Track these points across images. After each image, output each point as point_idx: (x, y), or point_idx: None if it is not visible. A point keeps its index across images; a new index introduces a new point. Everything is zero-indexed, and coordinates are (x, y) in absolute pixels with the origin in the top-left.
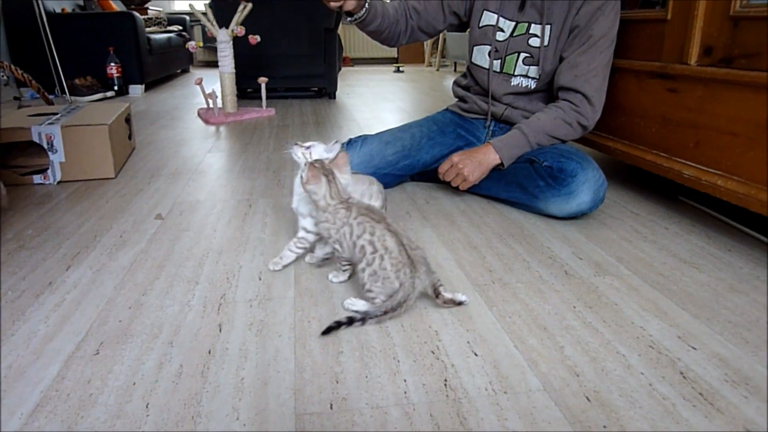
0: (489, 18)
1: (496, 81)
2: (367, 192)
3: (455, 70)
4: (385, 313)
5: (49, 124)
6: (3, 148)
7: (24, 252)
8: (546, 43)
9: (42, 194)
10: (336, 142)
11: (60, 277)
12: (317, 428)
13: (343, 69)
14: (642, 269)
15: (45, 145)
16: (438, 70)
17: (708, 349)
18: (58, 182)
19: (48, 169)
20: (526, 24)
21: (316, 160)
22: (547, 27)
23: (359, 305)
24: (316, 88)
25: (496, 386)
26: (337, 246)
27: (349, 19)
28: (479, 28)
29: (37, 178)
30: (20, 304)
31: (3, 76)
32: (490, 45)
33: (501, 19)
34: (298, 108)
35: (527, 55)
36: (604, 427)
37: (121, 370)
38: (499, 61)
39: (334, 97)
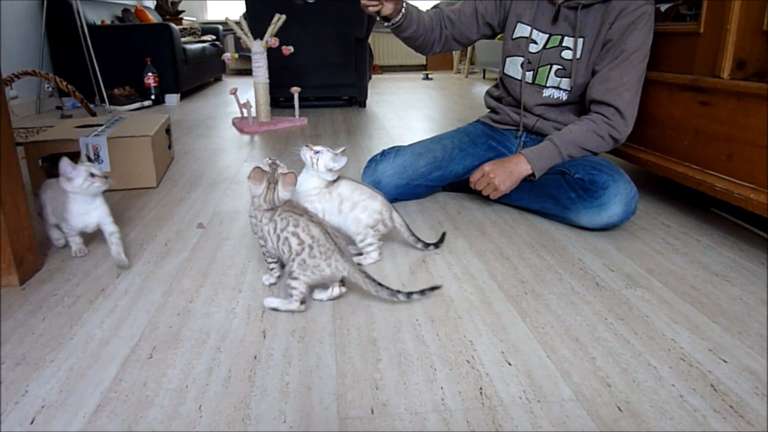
0: (522, 30)
1: (528, 92)
2: (362, 204)
3: (484, 77)
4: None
5: (95, 135)
6: (52, 159)
7: (76, 259)
8: (578, 56)
9: None
10: (343, 150)
11: (111, 284)
12: (360, 431)
13: (372, 77)
14: (673, 282)
15: (91, 156)
16: (467, 77)
17: (739, 362)
18: (104, 191)
19: None
20: (559, 36)
21: (272, 163)
22: (580, 40)
23: (275, 303)
24: (346, 97)
25: (529, 395)
26: (261, 242)
27: (385, 24)
28: (512, 39)
29: None
30: (76, 309)
31: (48, 87)
32: (523, 56)
33: (534, 31)
34: (329, 117)
35: (559, 67)
36: None
37: (173, 373)
38: (532, 72)
39: (365, 106)
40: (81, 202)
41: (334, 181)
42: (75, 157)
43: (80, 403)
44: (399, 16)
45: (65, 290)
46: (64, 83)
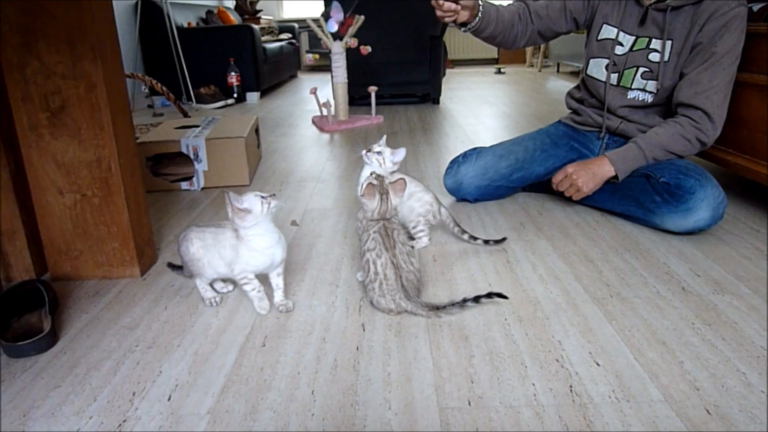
0: (608, 32)
1: (612, 94)
2: (417, 195)
3: (558, 71)
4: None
5: (195, 136)
6: (155, 158)
7: None
8: (666, 58)
9: (190, 200)
10: (401, 149)
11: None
12: (459, 421)
13: (445, 72)
14: (763, 288)
15: (192, 156)
16: (540, 71)
17: None
18: (202, 188)
19: (193, 176)
20: (647, 39)
21: (377, 177)
22: (668, 42)
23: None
24: (420, 94)
25: (618, 395)
26: (359, 240)
27: (462, 29)
28: (597, 41)
29: (184, 185)
30: (193, 300)
31: (145, 88)
32: (608, 58)
33: (621, 33)
34: (404, 114)
35: (646, 69)
36: None
37: (286, 360)
38: (617, 74)
39: (438, 103)
40: (264, 233)
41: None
42: (174, 157)
43: (208, 384)
44: (475, 21)
45: (181, 281)
46: (159, 85)
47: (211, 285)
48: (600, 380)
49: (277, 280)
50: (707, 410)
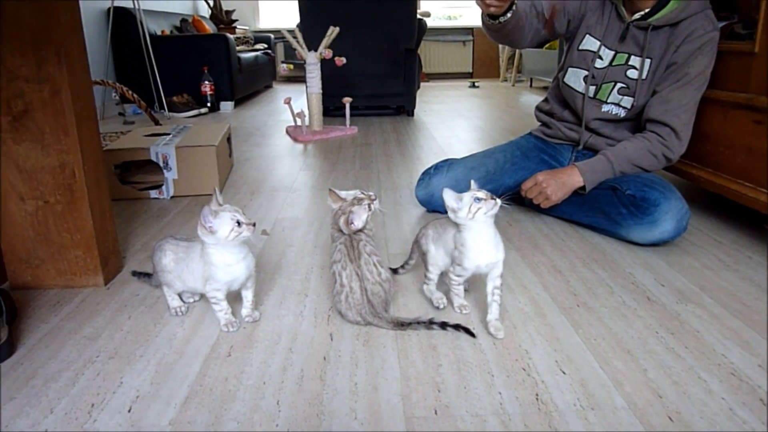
0: (591, 43)
1: (588, 106)
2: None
3: (531, 85)
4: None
5: (165, 144)
6: (123, 166)
7: None
8: (644, 76)
9: (158, 208)
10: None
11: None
12: (425, 431)
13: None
14: (724, 298)
15: (161, 164)
16: (513, 85)
17: None
18: (171, 197)
19: (163, 185)
20: (626, 55)
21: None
22: (647, 61)
23: None
24: (395, 106)
25: (584, 403)
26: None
27: (491, 21)
28: (578, 50)
29: (153, 193)
30: (158, 309)
31: (115, 95)
32: (587, 71)
33: (602, 47)
34: (378, 126)
35: (623, 85)
36: None
37: (251, 371)
38: (594, 87)
39: (413, 115)
40: (224, 252)
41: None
42: (143, 165)
43: (171, 394)
44: (510, 13)
45: (146, 291)
46: (130, 92)
47: (179, 295)
48: (566, 388)
49: (245, 293)
50: (669, 417)
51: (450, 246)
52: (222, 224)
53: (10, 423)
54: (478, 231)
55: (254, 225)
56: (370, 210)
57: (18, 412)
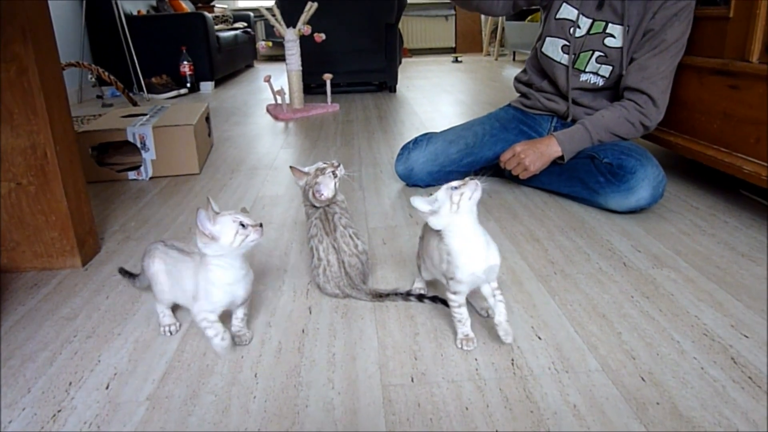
0: (568, 12)
1: (565, 75)
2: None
3: (514, 59)
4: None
5: (141, 125)
6: (101, 148)
7: (131, 242)
8: (621, 44)
9: (137, 189)
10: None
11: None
12: (401, 398)
13: (402, 61)
14: (699, 262)
15: (138, 144)
16: (496, 59)
17: (760, 338)
18: (150, 178)
19: (141, 166)
20: (603, 23)
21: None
22: (625, 28)
23: None
24: (377, 82)
25: (558, 366)
26: None
27: None
28: (556, 19)
29: (131, 174)
30: (136, 290)
31: (91, 77)
32: (565, 40)
33: (581, 15)
34: (360, 102)
35: (601, 54)
36: (657, 403)
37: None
38: (573, 56)
39: (395, 91)
40: (228, 267)
41: None
42: (120, 146)
43: (148, 371)
44: None
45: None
46: (106, 74)
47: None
48: (541, 353)
49: (237, 311)
50: (642, 378)
51: (436, 260)
52: (224, 229)
53: None
54: (463, 231)
55: (261, 226)
56: (335, 177)
57: None
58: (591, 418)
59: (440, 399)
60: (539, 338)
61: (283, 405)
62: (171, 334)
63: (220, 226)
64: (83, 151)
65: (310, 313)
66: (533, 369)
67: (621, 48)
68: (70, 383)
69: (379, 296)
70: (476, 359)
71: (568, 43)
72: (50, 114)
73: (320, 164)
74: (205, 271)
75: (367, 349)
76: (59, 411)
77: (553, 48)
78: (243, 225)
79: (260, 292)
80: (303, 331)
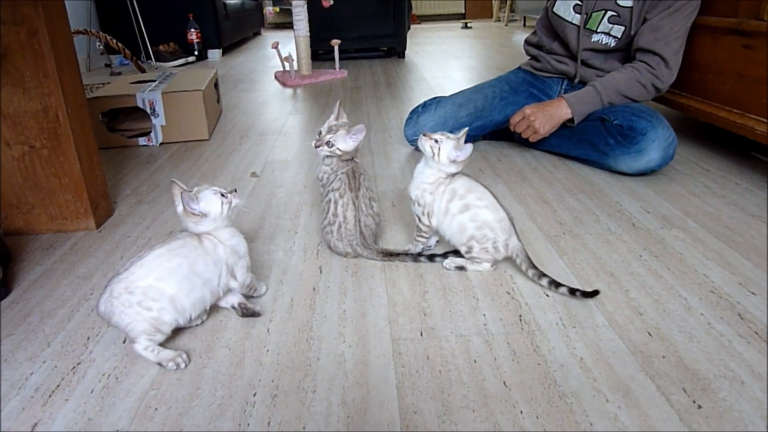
0: None
1: (577, 35)
2: (474, 210)
3: (524, 25)
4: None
5: (151, 90)
6: (111, 114)
7: (144, 205)
8: (635, 3)
9: (148, 155)
10: (463, 135)
11: (177, 227)
12: (410, 351)
13: (410, 27)
14: (709, 222)
15: (148, 110)
16: (506, 25)
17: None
18: (160, 144)
19: (151, 132)
20: None
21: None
22: None
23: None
24: (385, 48)
25: (565, 322)
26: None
27: None
28: None
29: (141, 140)
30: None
31: (99, 45)
32: None
33: None
34: (368, 68)
35: (614, 13)
36: (663, 357)
37: None
38: (585, 16)
39: (404, 57)
40: (225, 228)
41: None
42: (130, 113)
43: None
44: None
45: (138, 233)
46: (114, 41)
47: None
48: (548, 309)
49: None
50: (648, 333)
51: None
52: (210, 203)
53: (9, 356)
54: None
55: (235, 191)
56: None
57: (16, 346)
58: (597, 370)
59: (449, 352)
60: (547, 296)
61: (295, 358)
62: (186, 365)
63: (205, 202)
64: (93, 116)
65: (321, 272)
66: (540, 324)
67: (633, 8)
68: (88, 338)
69: (390, 255)
70: (484, 315)
71: (580, 3)
72: (61, 76)
73: (332, 121)
74: (213, 243)
75: (377, 306)
76: (78, 363)
77: (565, 7)
78: (223, 194)
79: (271, 253)
80: (314, 289)
